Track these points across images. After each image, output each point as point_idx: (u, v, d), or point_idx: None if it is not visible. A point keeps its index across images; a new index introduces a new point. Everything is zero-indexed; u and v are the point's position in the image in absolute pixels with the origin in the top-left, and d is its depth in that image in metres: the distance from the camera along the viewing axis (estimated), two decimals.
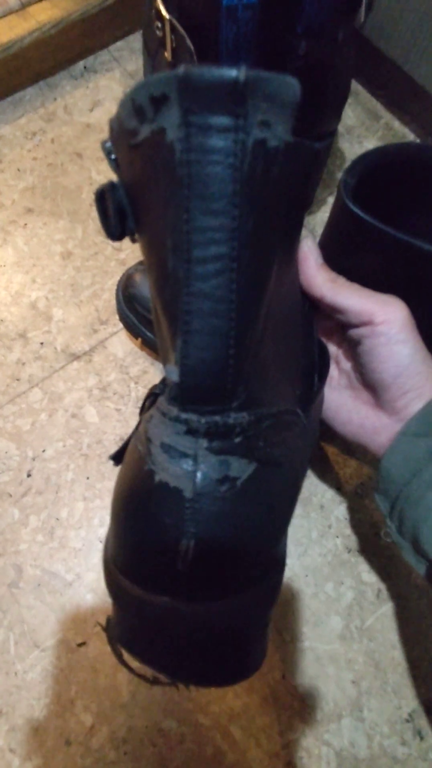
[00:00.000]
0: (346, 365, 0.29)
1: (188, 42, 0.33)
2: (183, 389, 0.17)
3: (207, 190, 0.15)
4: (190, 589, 0.19)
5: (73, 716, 0.36)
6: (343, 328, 0.27)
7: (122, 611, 0.21)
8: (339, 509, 0.41)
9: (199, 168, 0.15)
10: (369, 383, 0.26)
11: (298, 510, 0.41)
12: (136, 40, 0.58)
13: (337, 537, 0.40)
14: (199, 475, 0.18)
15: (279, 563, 0.22)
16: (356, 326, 0.25)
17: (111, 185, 0.18)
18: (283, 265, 0.21)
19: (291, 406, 0.22)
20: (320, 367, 0.27)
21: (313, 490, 0.41)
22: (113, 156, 0.18)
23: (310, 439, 0.25)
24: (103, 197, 0.18)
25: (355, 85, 0.55)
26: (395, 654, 0.37)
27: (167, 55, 0.36)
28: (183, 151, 0.14)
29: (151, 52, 0.40)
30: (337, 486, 0.41)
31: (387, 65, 0.50)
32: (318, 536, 0.40)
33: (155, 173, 0.16)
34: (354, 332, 0.25)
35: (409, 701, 0.36)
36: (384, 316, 0.24)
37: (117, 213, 0.18)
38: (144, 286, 0.42)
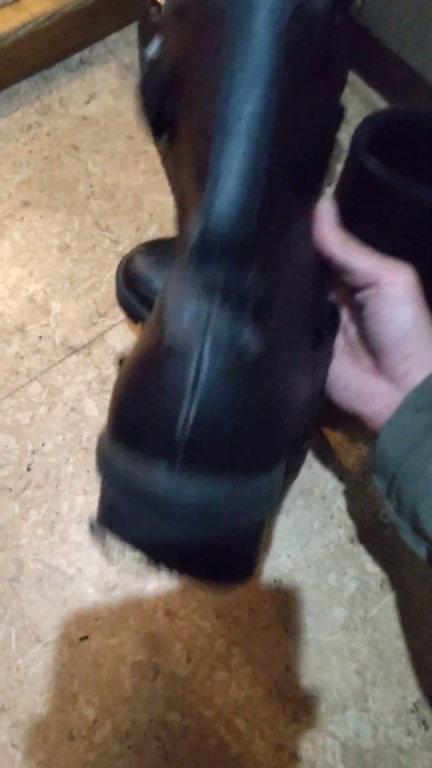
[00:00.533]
0: (352, 334, 0.29)
1: None
2: (206, 237, 0.17)
3: (248, 37, 0.16)
4: (186, 454, 0.18)
5: (75, 711, 0.36)
6: (351, 293, 0.27)
7: (110, 489, 0.20)
8: (341, 499, 0.41)
9: (242, 18, 0.16)
10: (371, 348, 0.26)
11: (300, 501, 0.40)
12: (132, 32, 0.57)
13: (340, 527, 0.40)
14: (209, 335, 0.18)
15: (279, 466, 0.21)
16: (363, 288, 0.25)
17: (151, 62, 0.19)
18: (303, 216, 0.23)
19: (303, 337, 0.22)
20: (330, 325, 0.27)
21: (315, 480, 0.41)
22: (152, 52, 0.20)
23: (317, 394, 0.25)
24: (146, 83, 0.20)
25: (352, 75, 0.54)
26: (399, 644, 0.37)
27: None
28: (227, 3, 0.16)
29: (147, 42, 0.40)
30: (339, 476, 0.41)
31: (383, 53, 0.50)
32: (320, 527, 0.40)
33: (201, 34, 0.17)
34: (360, 295, 0.25)
35: (414, 691, 0.36)
36: (391, 278, 0.24)
37: (158, 92, 0.19)
38: (144, 267, 0.41)
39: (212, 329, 0.18)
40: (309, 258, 0.25)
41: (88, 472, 0.41)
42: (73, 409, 0.43)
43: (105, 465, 0.21)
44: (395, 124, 0.29)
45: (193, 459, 0.18)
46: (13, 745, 0.35)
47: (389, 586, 0.38)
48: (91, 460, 0.42)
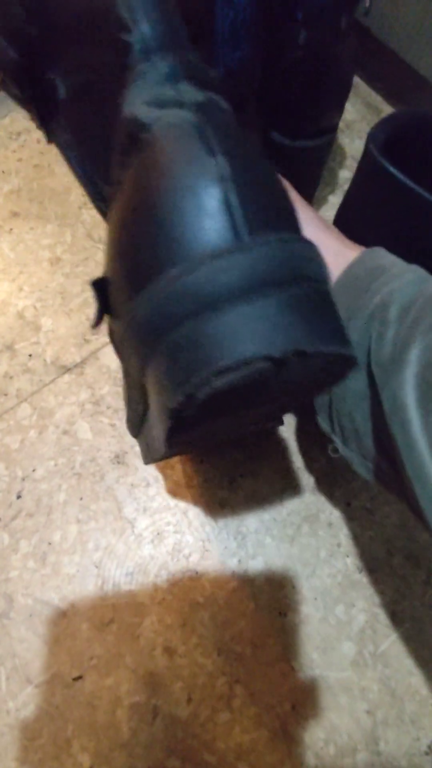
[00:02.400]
0: None
1: None
2: (144, 44, 0.18)
3: None
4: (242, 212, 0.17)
5: (69, 757, 0.34)
6: None
7: (167, 345, 0.18)
8: (348, 527, 0.39)
9: None
10: None
11: (305, 528, 0.38)
12: None
13: (347, 556, 0.38)
14: (192, 104, 0.18)
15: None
16: None
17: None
18: None
19: None
20: None
21: (321, 506, 0.39)
22: None
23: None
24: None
25: (354, 79, 0.52)
26: (412, 681, 0.35)
27: None
28: None
29: None
30: (347, 502, 0.39)
31: (387, 56, 0.48)
32: (327, 556, 0.38)
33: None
34: None
35: (429, 731, 0.34)
36: None
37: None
38: None
39: (189, 95, 0.18)
40: None
41: (81, 499, 0.39)
42: (65, 432, 0.41)
43: (150, 332, 0.18)
44: (410, 126, 0.29)
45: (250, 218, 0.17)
46: None
47: (400, 619, 0.36)
48: (85, 486, 0.39)
